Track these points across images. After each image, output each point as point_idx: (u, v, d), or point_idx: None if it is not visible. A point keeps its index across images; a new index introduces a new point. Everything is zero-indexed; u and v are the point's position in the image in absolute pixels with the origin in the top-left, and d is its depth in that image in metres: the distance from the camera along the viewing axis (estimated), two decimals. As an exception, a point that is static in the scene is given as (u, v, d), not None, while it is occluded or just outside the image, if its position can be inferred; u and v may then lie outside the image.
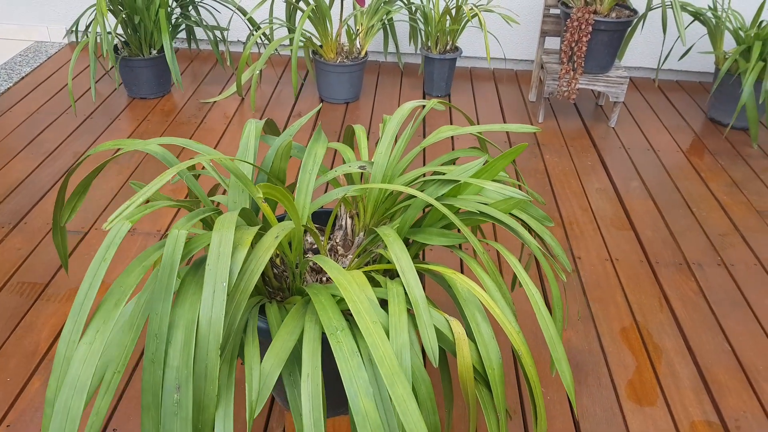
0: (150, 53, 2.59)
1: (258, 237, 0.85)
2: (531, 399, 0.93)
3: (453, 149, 2.39)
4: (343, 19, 2.53)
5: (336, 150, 2.34)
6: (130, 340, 0.72)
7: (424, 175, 1.19)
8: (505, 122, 2.64)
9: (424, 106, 1.36)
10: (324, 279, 1.09)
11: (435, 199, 0.98)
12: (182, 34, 3.20)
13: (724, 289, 1.75)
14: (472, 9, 2.54)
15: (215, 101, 2.67)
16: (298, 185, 1.00)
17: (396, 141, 1.13)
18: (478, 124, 2.60)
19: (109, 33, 2.42)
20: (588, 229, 1.98)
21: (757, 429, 1.34)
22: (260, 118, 2.54)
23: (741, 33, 2.56)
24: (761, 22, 2.57)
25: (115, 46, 2.62)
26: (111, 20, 3.07)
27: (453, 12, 2.62)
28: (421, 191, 1.01)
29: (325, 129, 2.51)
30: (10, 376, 1.35)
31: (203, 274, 0.77)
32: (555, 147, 2.46)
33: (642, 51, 3.08)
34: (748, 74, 2.35)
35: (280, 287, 1.05)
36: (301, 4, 2.62)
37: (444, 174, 1.03)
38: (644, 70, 3.15)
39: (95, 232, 1.82)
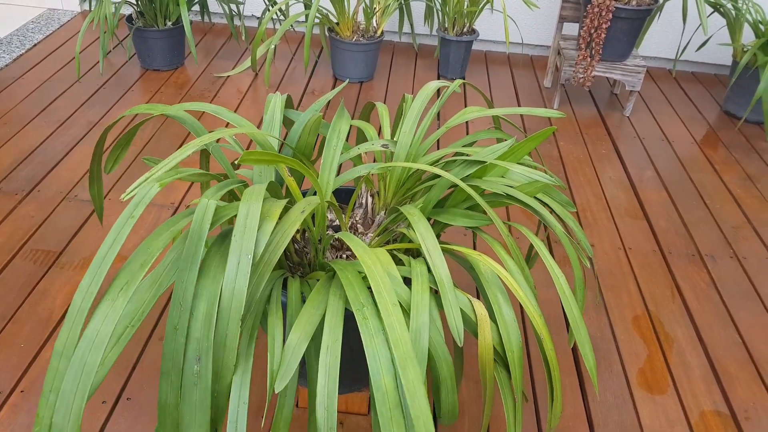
0: (165, 24, 2.56)
1: (284, 211, 0.85)
2: (549, 382, 0.93)
3: (467, 132, 2.38)
4: (360, -3, 2.51)
5: (352, 128, 2.33)
6: (150, 297, 0.71)
7: (444, 156, 1.18)
8: (519, 104, 2.62)
9: (446, 87, 1.35)
10: (344, 256, 1.09)
11: (460, 180, 0.97)
12: (196, 7, 3.17)
13: (735, 282, 1.75)
14: (491, -9, 2.51)
15: (229, 76, 2.65)
16: (323, 161, 0.99)
17: (420, 121, 1.12)
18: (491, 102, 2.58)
19: (117, 2, 2.39)
20: (602, 217, 1.97)
21: (766, 421, 1.35)
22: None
23: (761, 26, 2.53)
24: (783, 14, 2.54)
25: (129, 16, 2.60)
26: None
27: (471, -7, 2.59)
28: (447, 171, 1.00)
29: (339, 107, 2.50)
30: (24, 342, 1.36)
31: (228, 246, 0.77)
32: (570, 134, 2.44)
33: (658, 41, 3.04)
34: (764, 67, 2.33)
35: (300, 263, 1.05)
36: (319, -20, 2.59)
37: (469, 155, 1.02)
38: (660, 60, 3.12)
39: (109, 202, 1.82)
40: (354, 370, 1.13)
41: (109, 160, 0.99)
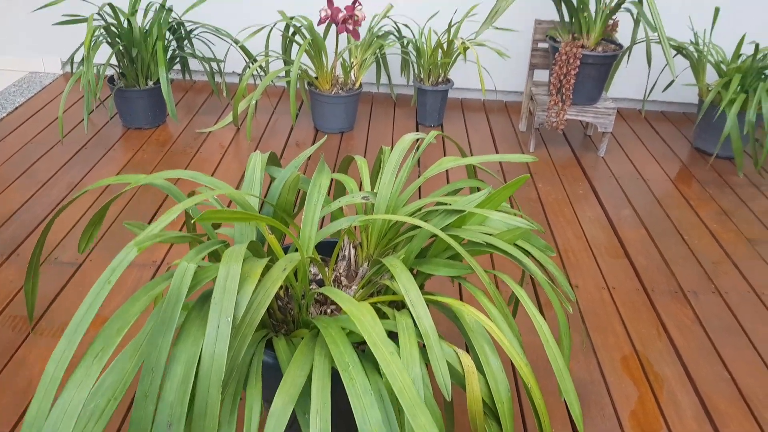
0: (146, 84, 2.60)
1: (265, 269, 0.85)
2: (539, 429, 0.93)
3: (447, 180, 2.41)
4: (338, 52, 2.57)
5: (332, 179, 2.35)
6: (131, 367, 0.70)
7: (424, 206, 1.19)
8: (497, 151, 2.66)
9: (423, 139, 1.37)
10: (328, 311, 1.09)
11: (440, 229, 0.98)
12: (177, 65, 3.22)
13: (719, 317, 1.76)
14: (463, 43, 2.59)
15: (211, 131, 2.68)
16: (303, 216, 1.00)
17: (398, 172, 1.14)
18: (471, 153, 2.62)
19: (102, 65, 2.42)
20: (583, 257, 1.99)
21: (760, 458, 1.34)
22: (256, 148, 2.56)
23: (722, 66, 2.63)
24: (741, 55, 2.64)
25: (111, 77, 2.63)
26: (107, 51, 3.09)
27: (444, 46, 2.67)
28: (426, 221, 1.01)
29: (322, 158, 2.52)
30: (1, 412, 1.32)
31: (208, 309, 0.76)
32: (547, 176, 2.49)
33: (627, 83, 3.14)
34: (730, 105, 2.41)
35: (284, 320, 1.05)
36: (297, 38, 2.66)
37: (448, 204, 1.03)
38: (629, 101, 3.22)
39: (89, 263, 1.80)
40: (343, 428, 1.11)
41: (83, 240, 0.99)
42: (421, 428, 0.70)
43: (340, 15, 2.41)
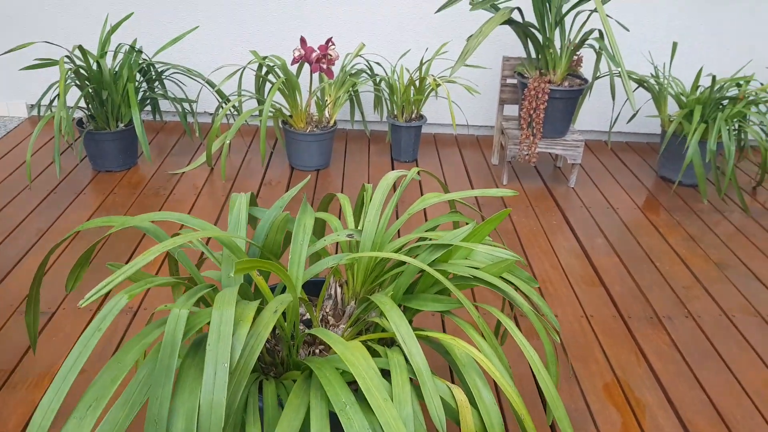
0: (117, 126, 2.58)
1: (256, 312, 0.85)
2: (533, 463, 0.93)
3: (425, 215, 2.44)
4: (312, 91, 2.60)
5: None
6: (124, 417, 0.69)
7: (409, 242, 1.21)
8: (471, 185, 2.71)
9: (404, 176, 1.39)
10: (317, 351, 1.08)
11: (428, 264, 0.99)
12: (148, 107, 3.21)
13: (694, 341, 1.80)
14: (435, 80, 2.65)
15: (184, 172, 2.66)
16: (291, 257, 1.00)
17: (383, 210, 1.16)
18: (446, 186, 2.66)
19: (71, 108, 2.41)
20: (561, 286, 2.02)
21: (744, 480, 1.36)
22: (231, 188, 2.55)
23: (682, 98, 2.74)
24: (699, 87, 2.76)
25: (80, 120, 2.61)
26: (75, 93, 3.07)
27: (417, 83, 2.72)
28: (413, 257, 1.02)
29: (298, 196, 2.53)
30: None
31: (203, 355, 0.76)
32: (521, 208, 2.53)
33: (592, 116, 3.24)
34: (692, 135, 2.51)
35: (272, 362, 1.04)
36: (270, 77, 2.69)
37: (433, 240, 1.05)
38: (595, 133, 3.32)
39: (63, 311, 1.76)
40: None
41: (70, 279, 0.97)
42: None
43: (314, 54, 2.45)
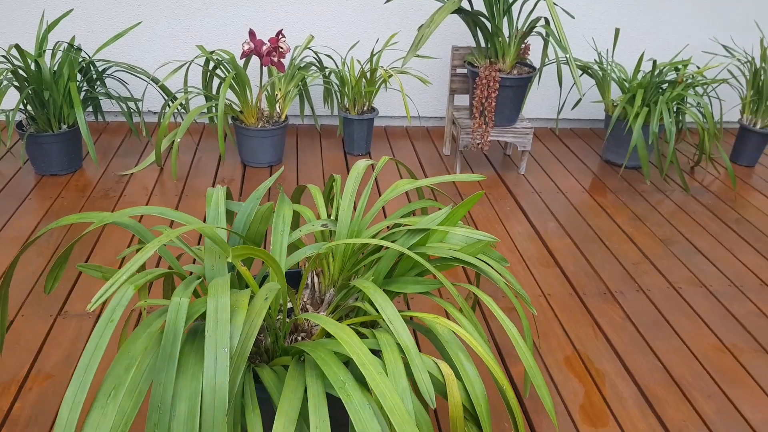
0: (59, 128, 2.50)
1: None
2: (515, 429, 0.98)
3: (384, 212, 2.46)
4: (262, 86, 2.59)
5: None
6: (131, 405, 0.69)
7: (382, 229, 1.24)
8: (426, 176, 2.76)
9: (375, 165, 1.41)
10: (299, 338, 1.10)
11: (407, 248, 1.02)
12: (89, 108, 3.11)
13: (645, 313, 1.90)
14: (387, 71, 2.68)
15: (132, 173, 2.60)
16: (272, 247, 1.01)
17: (357, 198, 1.18)
18: (402, 178, 2.70)
19: (11, 111, 2.31)
20: (519, 269, 2.09)
21: (700, 437, 1.46)
22: (183, 187, 2.51)
23: (625, 83, 2.87)
24: (640, 71, 2.89)
25: (20, 123, 2.51)
26: (14, 96, 2.94)
27: (368, 75, 2.75)
28: (391, 242, 1.05)
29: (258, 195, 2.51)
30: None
31: (201, 342, 0.77)
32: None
33: (538, 103, 3.35)
34: (635, 119, 2.63)
35: (257, 351, 1.05)
36: (218, 72, 2.65)
37: (409, 225, 1.08)
38: (541, 120, 3.43)
39: (22, 318, 1.70)
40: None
41: (49, 280, 0.96)
42: None
43: (265, 47, 2.44)
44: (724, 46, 2.98)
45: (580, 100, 2.88)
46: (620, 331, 1.81)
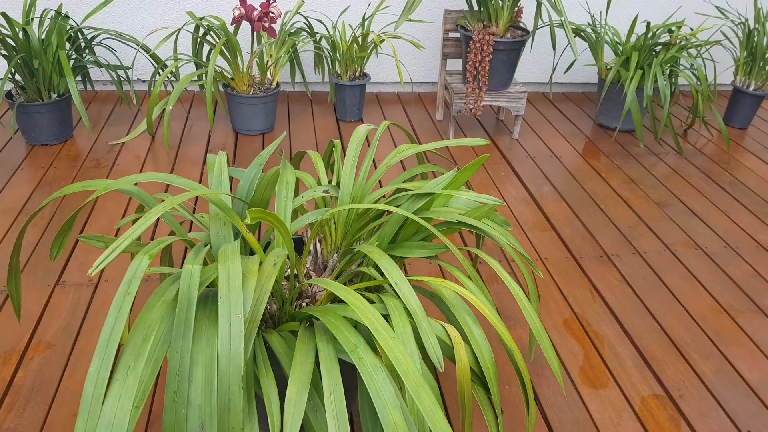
0: (50, 98, 2.45)
1: (255, 266, 0.85)
2: (523, 392, 0.99)
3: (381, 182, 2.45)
4: (254, 52, 2.54)
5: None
6: (149, 374, 0.69)
7: (386, 194, 1.23)
8: (419, 142, 2.74)
9: (376, 129, 1.39)
10: (303, 305, 1.10)
11: (412, 213, 1.02)
12: (77, 76, 3.05)
13: (642, 275, 1.92)
14: (379, 36, 2.64)
15: (124, 142, 2.57)
16: (276, 212, 1.01)
17: (359, 164, 1.17)
18: (396, 145, 2.68)
19: None
20: (515, 233, 2.10)
21: (697, 395, 1.49)
22: (175, 156, 2.48)
23: (619, 46, 2.84)
24: (634, 34, 2.87)
25: (9, 93, 2.46)
26: (2, 65, 2.87)
27: (360, 40, 2.70)
28: (395, 206, 1.04)
29: (246, 160, 2.49)
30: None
31: (214, 308, 0.76)
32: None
33: (530, 67, 3.32)
34: (629, 82, 2.62)
35: (263, 317, 1.05)
36: (208, 38, 2.60)
37: (413, 190, 1.07)
38: (533, 84, 3.40)
39: (49, 288, 1.69)
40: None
41: (54, 247, 0.95)
42: (426, 408, 0.74)
43: (256, 13, 2.39)
44: (717, 7, 2.96)
45: (573, 63, 2.86)
46: (618, 294, 1.83)
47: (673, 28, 2.75)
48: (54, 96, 2.46)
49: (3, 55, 2.33)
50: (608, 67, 2.87)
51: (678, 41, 2.70)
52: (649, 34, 2.73)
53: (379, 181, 2.34)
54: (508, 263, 1.93)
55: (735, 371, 1.57)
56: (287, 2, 2.96)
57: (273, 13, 2.38)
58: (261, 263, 0.83)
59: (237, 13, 2.40)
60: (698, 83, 2.73)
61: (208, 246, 0.87)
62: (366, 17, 2.74)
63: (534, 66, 3.32)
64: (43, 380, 1.41)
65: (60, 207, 2.09)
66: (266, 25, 2.39)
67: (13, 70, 2.35)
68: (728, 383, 1.53)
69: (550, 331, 1.67)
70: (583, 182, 2.47)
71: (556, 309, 1.75)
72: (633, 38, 2.94)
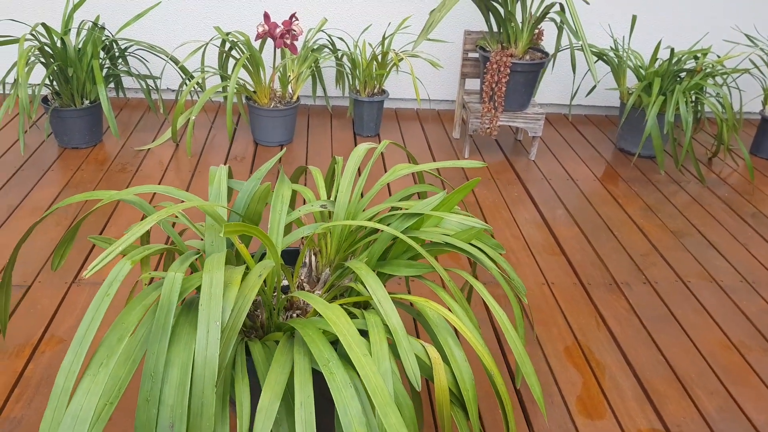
0: (82, 103, 2.54)
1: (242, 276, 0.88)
2: (503, 416, 1.00)
3: (389, 188, 2.48)
4: (275, 67, 2.60)
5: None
6: (125, 373, 0.73)
7: (381, 211, 1.25)
8: (434, 159, 2.76)
9: (374, 149, 1.42)
10: (294, 315, 1.12)
11: (400, 232, 1.04)
12: (111, 84, 3.15)
13: (652, 306, 1.89)
14: (397, 54, 2.68)
15: (149, 148, 2.64)
16: (270, 225, 1.04)
17: (356, 181, 1.19)
18: (409, 161, 2.70)
19: (36, 86, 2.36)
20: (523, 256, 2.09)
21: None
22: (197, 163, 2.54)
23: (641, 71, 2.83)
24: (657, 59, 2.85)
25: (45, 97, 2.57)
26: (41, 71, 3.00)
27: (379, 58, 2.74)
28: (386, 225, 1.07)
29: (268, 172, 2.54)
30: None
31: (196, 314, 0.79)
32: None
33: (552, 89, 3.32)
34: (651, 107, 2.60)
35: (252, 326, 1.07)
36: (234, 53, 2.67)
37: (405, 209, 1.09)
38: (555, 106, 3.40)
39: (39, 285, 1.76)
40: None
41: (56, 257, 0.99)
42: (391, 427, 0.75)
43: (278, 30, 2.45)
44: (746, 35, 2.92)
45: (594, 86, 2.86)
46: (624, 324, 1.81)
47: (699, 55, 2.73)
48: (86, 102, 2.56)
49: (41, 62, 2.43)
50: (630, 91, 2.86)
51: (704, 68, 2.68)
52: (673, 60, 2.71)
53: (390, 193, 2.36)
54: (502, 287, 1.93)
55: (740, 410, 1.53)
56: (313, 19, 3.03)
57: (294, 30, 2.44)
58: (246, 274, 0.86)
59: (261, 29, 2.46)
60: (723, 111, 2.69)
61: (201, 254, 0.90)
62: (386, 36, 2.78)
63: (556, 88, 3.32)
64: (51, 374, 1.46)
65: (83, 208, 2.16)
66: (288, 41, 2.45)
67: (50, 77, 2.46)
68: (732, 423, 1.49)
69: (550, 357, 1.66)
70: (598, 207, 2.45)
71: (558, 335, 1.74)
72: (658, 64, 2.93)
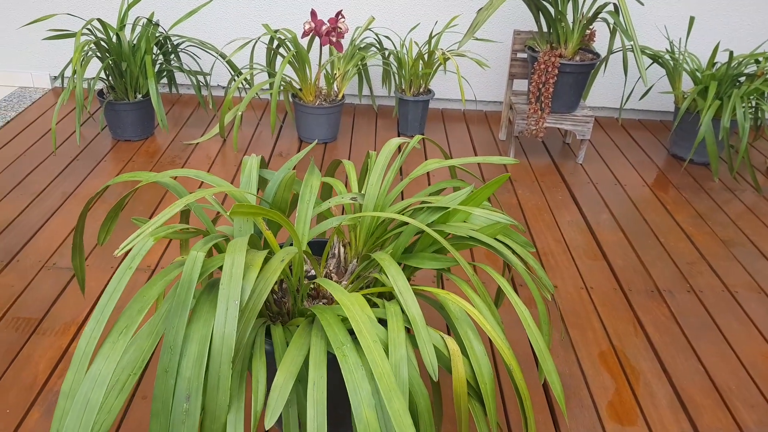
0: (135, 97, 2.65)
1: (265, 261, 0.91)
2: (522, 411, 0.99)
3: (429, 183, 2.48)
4: (321, 65, 2.64)
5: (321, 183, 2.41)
6: (149, 345, 0.76)
7: (410, 205, 1.26)
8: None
9: (407, 143, 1.44)
10: (320, 304, 1.14)
11: (426, 225, 1.05)
12: (164, 79, 3.27)
13: (694, 314, 1.84)
14: (443, 54, 2.68)
15: (198, 143, 2.73)
16: (297, 214, 1.06)
17: (385, 174, 1.21)
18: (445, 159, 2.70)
19: (92, 79, 2.47)
20: (562, 259, 2.06)
21: (732, 443, 1.41)
22: (242, 158, 2.61)
23: (698, 74, 2.74)
24: (715, 63, 2.75)
25: (100, 91, 2.68)
26: (97, 64, 3.14)
27: (425, 57, 2.75)
28: (413, 219, 1.07)
29: (305, 167, 2.58)
30: (9, 407, 1.36)
31: (216, 294, 0.82)
32: (527, 183, 2.57)
33: (605, 92, 3.25)
34: (705, 112, 2.51)
35: (279, 312, 1.10)
36: (281, 51, 2.73)
37: (432, 203, 1.10)
38: (607, 109, 3.32)
39: (87, 268, 1.84)
40: (334, 415, 1.16)
41: (102, 232, 1.05)
42: (395, 412, 0.76)
43: (324, 27, 2.49)
44: (812, 40, 2.79)
45: (648, 90, 2.78)
46: (663, 331, 1.76)
47: (761, 59, 2.62)
48: (139, 96, 2.66)
49: (97, 57, 2.54)
50: (685, 95, 2.77)
51: (765, 72, 2.57)
52: (732, 64, 2.61)
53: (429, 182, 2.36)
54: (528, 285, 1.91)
55: (781, 424, 1.48)
56: (360, 18, 3.06)
57: (340, 28, 2.47)
58: (269, 258, 0.89)
59: (307, 27, 2.51)
60: (782, 118, 2.58)
61: (227, 237, 0.93)
62: (433, 35, 2.79)
63: (608, 90, 3.25)
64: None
65: (132, 196, 2.26)
66: (333, 39, 2.48)
67: (105, 71, 2.57)
68: (770, 435, 1.44)
69: (583, 360, 1.63)
70: (645, 213, 2.39)
71: (594, 340, 1.71)
72: (716, 67, 2.82)
